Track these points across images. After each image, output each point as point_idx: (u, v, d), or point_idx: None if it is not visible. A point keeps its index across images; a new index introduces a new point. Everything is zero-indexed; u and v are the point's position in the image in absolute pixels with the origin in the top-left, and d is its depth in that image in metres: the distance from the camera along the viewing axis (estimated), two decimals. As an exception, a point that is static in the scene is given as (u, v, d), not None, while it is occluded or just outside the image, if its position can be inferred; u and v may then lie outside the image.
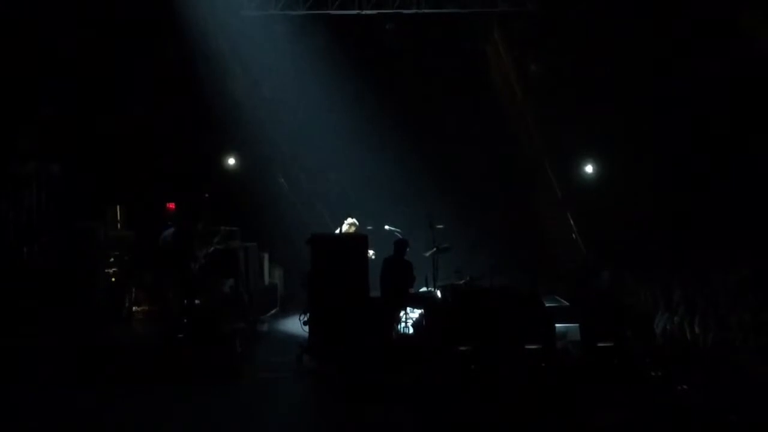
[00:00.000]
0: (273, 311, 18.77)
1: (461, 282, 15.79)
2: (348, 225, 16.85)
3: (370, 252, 16.31)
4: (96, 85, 18.61)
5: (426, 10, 19.19)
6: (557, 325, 14.01)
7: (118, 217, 17.89)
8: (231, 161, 21.14)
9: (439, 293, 15.64)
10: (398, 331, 15.02)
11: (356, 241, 15.36)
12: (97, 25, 18.39)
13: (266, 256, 19.33)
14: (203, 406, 11.99)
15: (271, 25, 19.68)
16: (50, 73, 18.03)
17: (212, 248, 16.59)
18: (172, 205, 17.69)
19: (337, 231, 16.91)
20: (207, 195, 18.18)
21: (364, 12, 19.23)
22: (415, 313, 15.43)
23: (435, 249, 16.09)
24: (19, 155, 17.74)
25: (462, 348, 13.37)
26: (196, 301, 15.67)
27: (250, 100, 20.35)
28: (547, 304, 14.60)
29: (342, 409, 12.01)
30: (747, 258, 15.83)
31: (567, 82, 19.39)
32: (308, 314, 14.78)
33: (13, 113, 17.78)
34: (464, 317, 13.75)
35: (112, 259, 16.72)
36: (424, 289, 15.91)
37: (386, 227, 17.08)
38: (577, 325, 14.19)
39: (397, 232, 16.70)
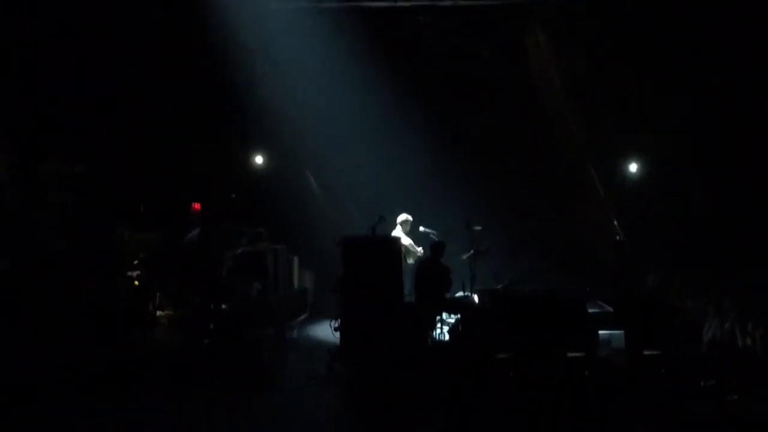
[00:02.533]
0: (302, 317, 18.75)
1: (500, 286, 15.77)
2: (401, 224, 16.97)
3: (419, 249, 16.40)
4: (120, 82, 18.66)
5: (463, 2, 19.09)
6: (601, 332, 13.94)
7: (142, 219, 17.92)
8: (258, 160, 21.15)
9: (476, 298, 15.59)
10: (434, 338, 14.98)
11: (389, 243, 15.33)
12: (120, 21, 18.46)
13: (296, 259, 19.34)
14: (229, 415, 12.01)
15: (301, 19, 19.64)
16: (74, 72, 18.12)
17: (239, 250, 16.65)
18: (197, 206, 17.74)
19: (394, 233, 16.96)
20: (234, 195, 18.23)
21: (398, 4, 19.16)
22: (451, 319, 15.38)
23: (472, 252, 16.07)
24: (43, 154, 17.83)
25: (500, 355, 13.29)
26: (222, 306, 15.71)
27: (278, 98, 20.31)
28: (590, 310, 14.50)
29: (375, 419, 11.98)
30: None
31: (610, 76, 19.21)
32: (339, 320, 14.77)
33: (37, 112, 17.88)
34: (503, 323, 13.66)
35: (135, 262, 16.75)
36: (460, 293, 15.90)
37: (421, 228, 17.11)
38: (621, 332, 14.13)
39: (433, 233, 16.72)
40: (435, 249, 15.55)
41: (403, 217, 17.32)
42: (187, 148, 19.39)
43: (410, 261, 17.07)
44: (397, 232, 17.31)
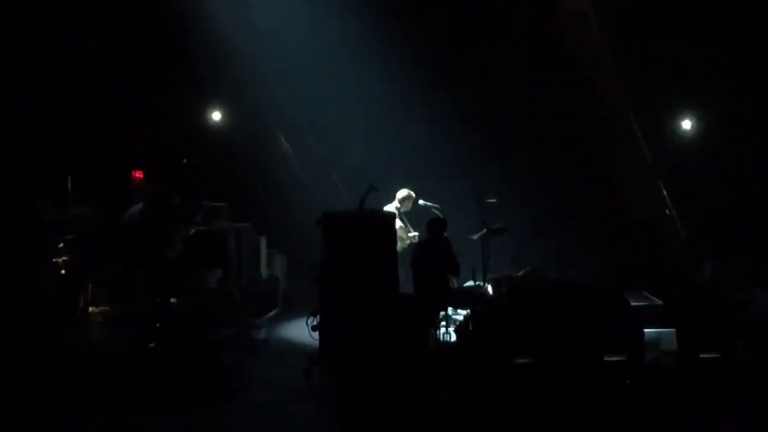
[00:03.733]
0: (273, 312, 18.81)
1: (520, 274, 15.76)
2: (401, 201, 16.95)
3: (413, 234, 16.40)
4: (39, 15, 18.60)
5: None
6: (646, 330, 13.93)
7: (70, 190, 17.88)
8: (216, 116, 21.10)
9: (490, 288, 15.59)
10: (437, 339, 14.99)
11: (382, 221, 15.31)
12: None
13: (264, 241, 19.34)
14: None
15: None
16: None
17: (193, 230, 16.62)
18: (139, 174, 17.70)
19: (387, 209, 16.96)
20: (185, 160, 18.19)
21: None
22: (459, 315, 15.38)
23: (485, 230, 16.07)
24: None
25: (520, 360, 13.31)
26: (173, 300, 15.70)
27: (242, 37, 20.25)
28: (632, 303, 14.51)
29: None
30: None
31: (659, 9, 19.19)
32: (319, 317, 14.77)
33: None
34: (523, 320, 13.68)
35: (62, 245, 16.71)
36: (470, 283, 15.89)
37: (421, 202, 17.11)
38: (672, 330, 14.15)
39: (435, 208, 16.71)
40: (434, 226, 15.47)
41: (404, 192, 17.28)
42: (126, 101, 19.33)
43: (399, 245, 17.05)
44: (392, 210, 17.31)
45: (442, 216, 16.04)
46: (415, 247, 15.86)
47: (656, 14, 19.22)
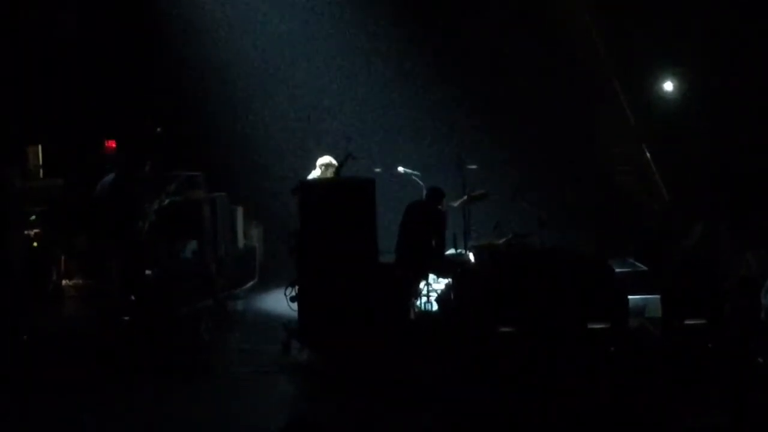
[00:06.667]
0: (250, 284, 18.81)
1: (502, 241, 15.75)
2: (321, 168, 16.74)
3: None
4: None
5: None
6: (631, 297, 13.94)
7: (40, 161, 17.78)
8: (192, 83, 20.97)
9: (472, 256, 15.59)
10: (418, 308, 14.97)
11: (361, 188, 15.25)
12: None
13: (240, 211, 19.27)
14: (158, 411, 11.96)
15: None
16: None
17: (167, 200, 16.54)
18: (112, 143, 17.60)
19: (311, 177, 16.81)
20: (159, 129, 18.10)
21: None
22: (440, 284, 15.37)
23: (466, 197, 16.03)
24: None
25: (503, 329, 13.31)
26: (147, 272, 15.63)
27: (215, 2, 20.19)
28: (617, 270, 14.52)
29: (343, 413, 11.99)
30: None
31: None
32: (297, 287, 14.74)
33: None
34: (506, 289, 13.67)
35: (33, 217, 16.63)
36: (452, 251, 15.85)
37: (400, 169, 17.02)
38: (657, 296, 14.14)
39: (415, 175, 16.63)
40: (431, 194, 15.44)
41: (326, 159, 17.01)
42: (96, 67, 19.21)
43: None
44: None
45: (438, 187, 15.93)
46: (407, 206, 15.73)
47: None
